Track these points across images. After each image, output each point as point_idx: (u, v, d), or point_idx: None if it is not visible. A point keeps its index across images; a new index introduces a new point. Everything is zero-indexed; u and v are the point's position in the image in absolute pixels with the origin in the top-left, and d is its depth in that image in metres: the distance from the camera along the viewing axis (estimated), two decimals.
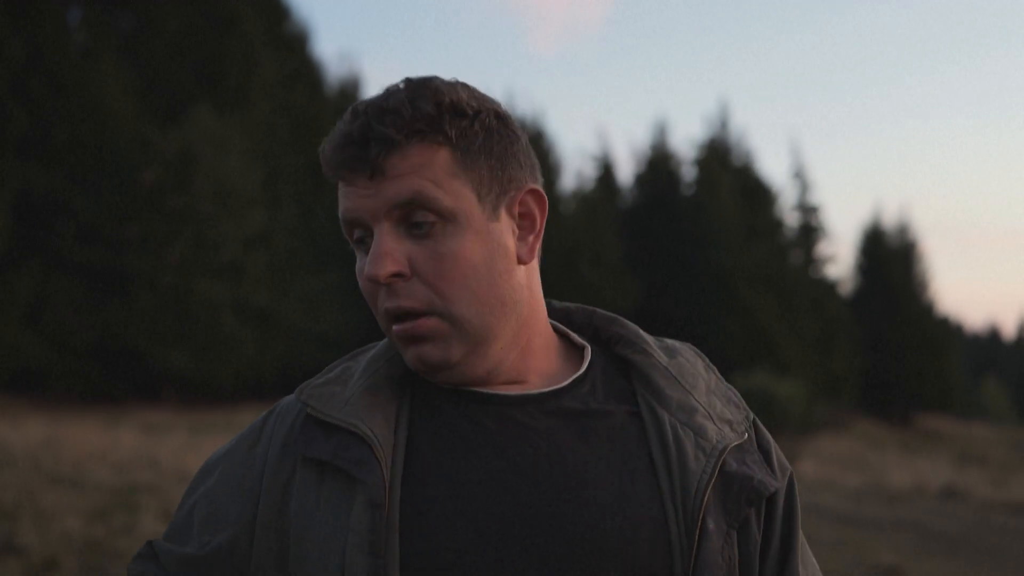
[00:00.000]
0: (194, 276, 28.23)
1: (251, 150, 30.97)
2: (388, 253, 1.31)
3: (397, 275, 1.32)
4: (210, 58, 32.02)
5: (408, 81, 1.36)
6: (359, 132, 1.33)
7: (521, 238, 1.38)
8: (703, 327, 33.12)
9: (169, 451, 16.36)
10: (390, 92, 1.36)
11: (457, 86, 1.36)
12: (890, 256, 44.52)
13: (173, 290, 27.92)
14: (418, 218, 1.32)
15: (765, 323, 35.17)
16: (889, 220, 46.61)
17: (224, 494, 1.42)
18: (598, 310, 1.53)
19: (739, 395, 1.49)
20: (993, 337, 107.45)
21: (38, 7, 28.03)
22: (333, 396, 1.38)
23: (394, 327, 1.34)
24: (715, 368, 1.51)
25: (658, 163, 40.59)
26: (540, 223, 1.40)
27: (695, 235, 36.85)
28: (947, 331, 47.78)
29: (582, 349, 1.47)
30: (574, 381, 1.41)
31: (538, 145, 36.07)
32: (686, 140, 51.54)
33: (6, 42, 27.34)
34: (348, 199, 1.34)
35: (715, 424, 1.40)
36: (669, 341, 1.52)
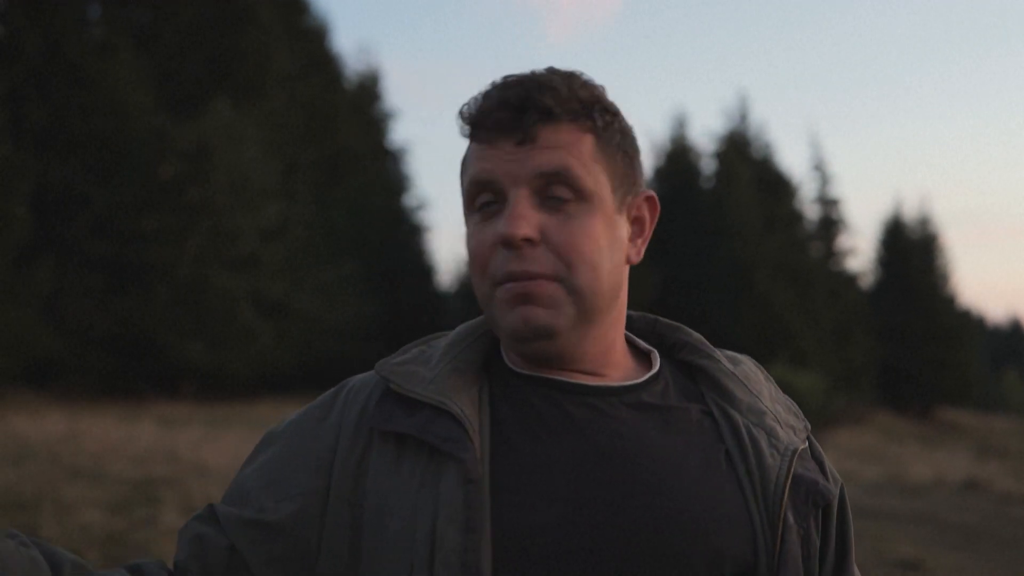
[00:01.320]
0: (211, 268, 28.27)
1: (268, 143, 30.99)
2: (525, 216, 1.35)
3: (528, 240, 1.35)
4: (227, 51, 32.04)
5: (556, 69, 1.41)
6: (516, 98, 1.38)
7: (631, 239, 1.46)
8: (722, 319, 33.06)
9: (187, 444, 16.41)
10: (541, 72, 1.41)
11: (599, 86, 1.44)
12: (910, 248, 44.33)
13: (190, 282, 27.97)
14: (556, 192, 1.37)
15: (784, 316, 35.09)
16: (909, 212, 46.32)
17: (292, 464, 1.43)
18: (660, 318, 1.59)
19: (797, 406, 1.56)
20: (1014, 329, 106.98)
21: (55, 2, 28.09)
22: (415, 375, 1.41)
23: (507, 284, 1.36)
24: (773, 379, 1.58)
25: (677, 156, 40.49)
26: (649, 229, 1.50)
27: (714, 228, 36.76)
28: (968, 323, 47.58)
29: (647, 353, 1.53)
30: (649, 379, 1.47)
31: None
32: (705, 133, 51.33)
33: (24, 36, 27.40)
34: (488, 161, 1.38)
35: (782, 428, 1.46)
36: (730, 352, 1.58)
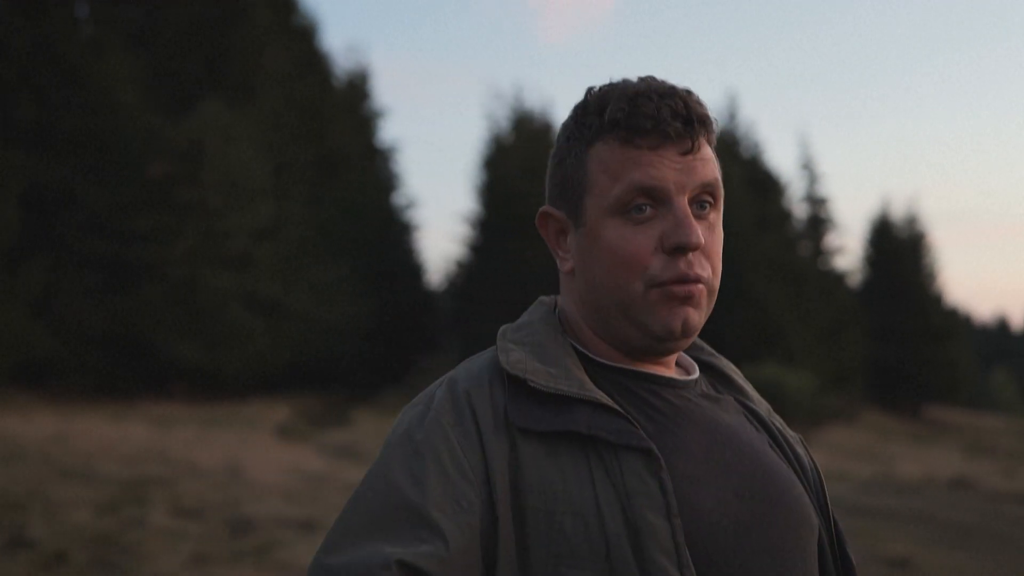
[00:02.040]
0: (203, 268, 28.22)
1: (260, 142, 30.94)
2: (696, 225, 1.42)
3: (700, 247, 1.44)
4: (219, 50, 31.99)
5: (673, 83, 1.48)
6: (683, 108, 1.43)
7: None
8: (714, 319, 32.74)
9: (179, 444, 16.41)
10: (669, 83, 1.47)
11: None
12: (898, 247, 44.38)
13: (182, 282, 27.92)
14: (706, 200, 1.46)
15: (774, 314, 35.11)
16: (897, 211, 46.38)
17: (453, 479, 1.34)
18: None
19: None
20: (1002, 328, 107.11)
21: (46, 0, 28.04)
22: (545, 372, 1.42)
23: (676, 287, 1.42)
24: None
25: None
26: None
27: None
28: (956, 322, 47.58)
29: None
30: (701, 373, 1.57)
31: (547, 138, 36.01)
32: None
33: (14, 34, 27.34)
34: (656, 168, 1.42)
35: (781, 420, 1.61)
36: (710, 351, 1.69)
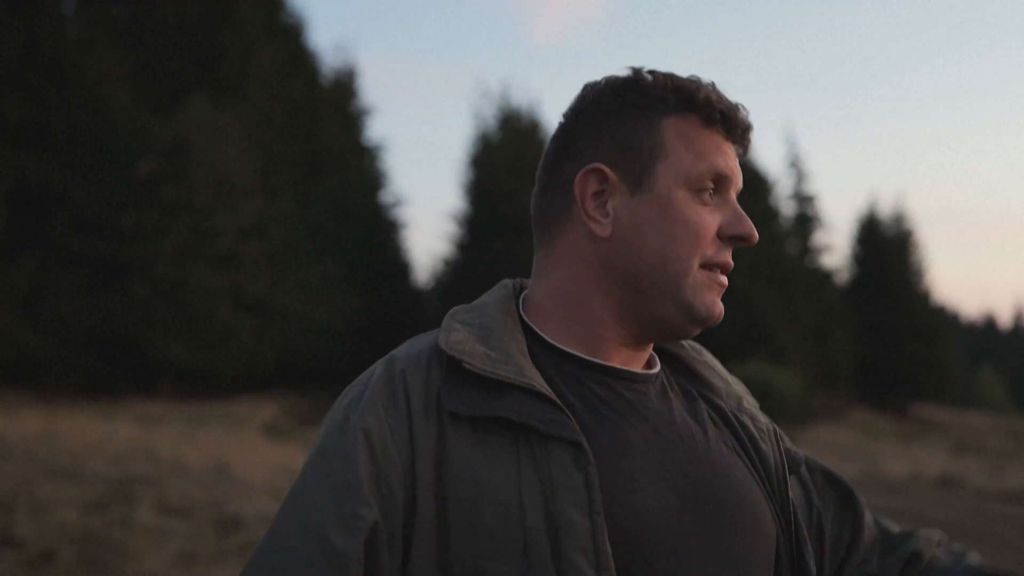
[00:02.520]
0: (191, 266, 28.20)
1: (248, 140, 30.92)
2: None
3: None
4: (207, 48, 31.97)
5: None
6: (744, 111, 1.47)
7: None
8: None
9: (166, 442, 16.37)
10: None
11: None
12: (886, 246, 44.49)
13: (170, 280, 27.89)
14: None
15: (762, 312, 35.18)
16: (885, 210, 46.52)
17: (376, 461, 1.31)
18: None
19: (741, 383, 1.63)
20: (989, 326, 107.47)
21: None
22: (485, 355, 1.36)
23: (721, 277, 1.44)
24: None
25: None
26: None
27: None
28: (943, 320, 47.74)
29: None
30: (661, 367, 1.51)
31: (534, 136, 36.02)
32: None
33: (4, 32, 27.28)
34: (728, 157, 1.45)
35: (754, 409, 1.55)
36: (684, 341, 1.61)
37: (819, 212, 43.38)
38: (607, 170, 1.41)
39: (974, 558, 1.60)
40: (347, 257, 33.79)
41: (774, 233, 40.57)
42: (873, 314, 42.77)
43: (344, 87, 40.11)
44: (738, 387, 1.58)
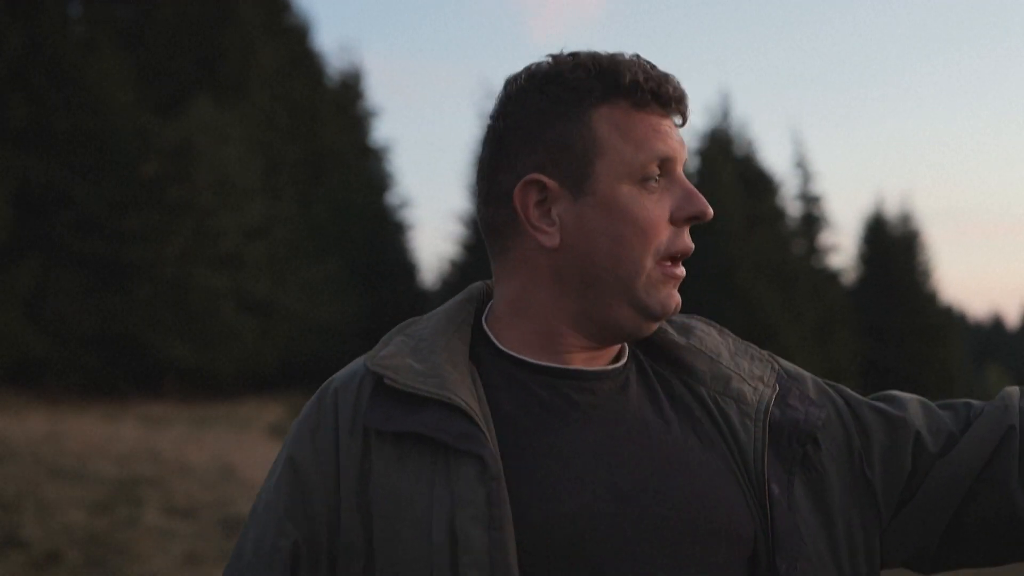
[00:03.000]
0: (194, 267, 28.22)
1: (251, 141, 30.94)
2: None
3: None
4: (210, 49, 31.98)
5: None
6: (674, 80, 1.40)
7: None
8: (705, 316, 32.99)
9: (170, 443, 16.38)
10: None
11: None
12: (892, 245, 44.41)
13: (173, 281, 27.91)
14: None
15: (767, 312, 35.14)
16: (891, 209, 46.38)
17: (302, 485, 1.34)
18: None
19: (757, 347, 1.54)
20: (996, 325, 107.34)
21: None
22: (409, 368, 1.35)
23: (676, 269, 1.41)
24: (728, 330, 1.56)
25: None
26: None
27: (697, 225, 36.89)
28: (950, 320, 47.67)
29: None
30: (628, 359, 1.45)
31: None
32: (688, 130, 51.33)
33: (6, 33, 27.29)
34: (670, 138, 1.39)
35: (750, 385, 1.45)
36: (677, 319, 1.55)
37: (825, 212, 43.36)
38: (545, 179, 1.37)
39: None
40: (351, 258, 33.79)
41: (780, 233, 40.55)
42: (879, 314, 42.72)
43: (350, 88, 40.13)
44: (735, 361, 1.49)
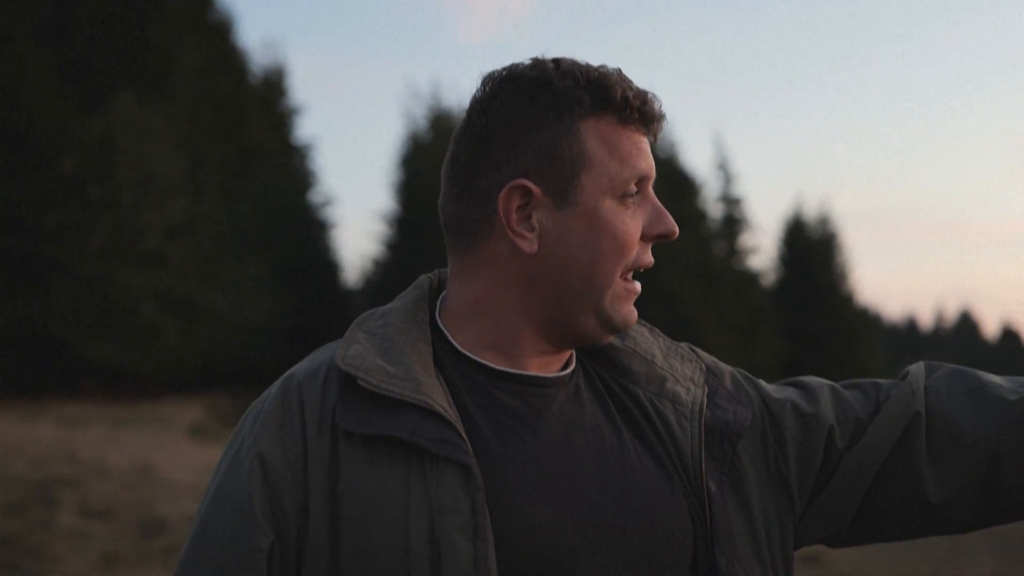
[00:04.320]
0: (115, 265, 27.83)
1: (174, 138, 30.57)
2: None
3: None
4: (133, 44, 31.56)
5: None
6: (657, 99, 1.44)
7: None
8: None
9: (88, 444, 16.17)
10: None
11: None
12: (811, 247, 45.02)
13: (93, 280, 27.52)
14: None
15: (690, 313, 35.45)
16: (810, 212, 47.01)
17: (271, 483, 1.31)
18: None
19: (687, 346, 1.58)
20: (911, 327, 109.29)
21: None
22: (383, 370, 1.33)
23: (635, 284, 1.42)
24: (658, 329, 1.58)
25: None
26: None
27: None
28: (867, 321, 48.44)
29: None
30: (576, 366, 1.47)
31: None
32: None
33: None
34: (648, 155, 1.43)
35: (683, 386, 1.48)
36: None
37: (746, 214, 43.82)
38: (531, 185, 1.37)
39: (992, 383, 1.52)
40: (275, 257, 33.56)
41: (702, 235, 40.91)
42: (799, 315, 43.27)
43: (273, 85, 39.83)
44: (668, 362, 1.51)
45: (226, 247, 31.96)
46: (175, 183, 29.93)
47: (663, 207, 1.43)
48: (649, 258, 1.43)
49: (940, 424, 1.49)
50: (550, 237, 1.38)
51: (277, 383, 1.39)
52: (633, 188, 1.39)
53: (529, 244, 1.38)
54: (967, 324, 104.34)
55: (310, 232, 37.12)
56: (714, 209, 43.33)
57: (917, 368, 1.57)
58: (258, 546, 1.29)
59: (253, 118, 36.48)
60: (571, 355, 1.47)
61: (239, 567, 1.29)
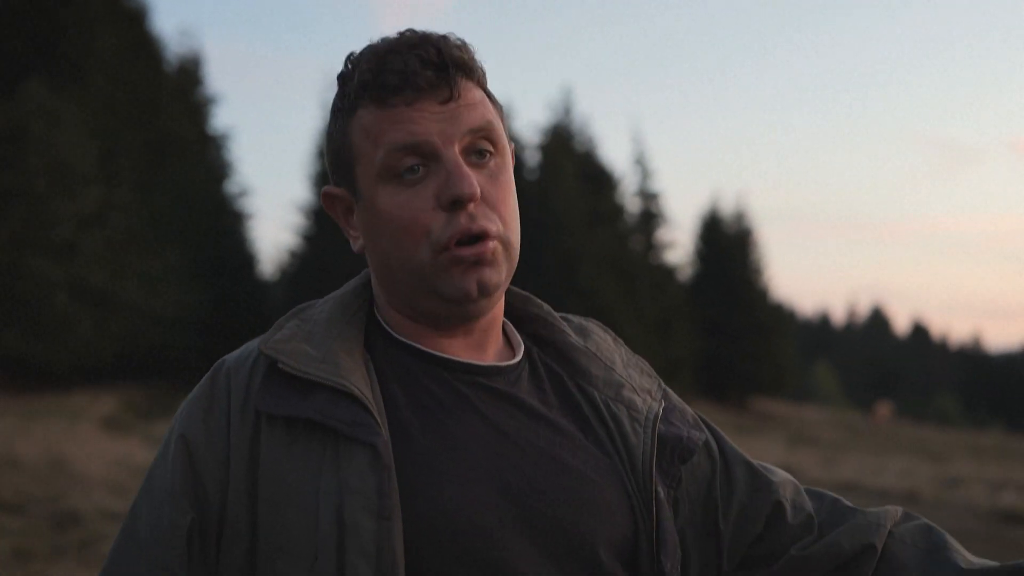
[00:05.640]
0: (26, 255, 27.36)
1: (88, 126, 30.10)
2: (470, 174, 1.33)
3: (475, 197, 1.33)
4: (45, 30, 31.03)
5: (426, 30, 1.39)
6: (435, 55, 1.34)
7: None
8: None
9: None
10: (426, 31, 1.37)
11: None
12: (727, 243, 45.50)
13: (4, 269, 27.04)
14: (482, 147, 1.36)
15: (607, 307, 35.62)
16: (726, 208, 47.58)
17: (195, 465, 1.33)
18: (512, 286, 1.52)
19: (647, 363, 1.58)
20: (824, 323, 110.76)
21: None
22: (303, 353, 1.34)
23: (464, 250, 1.33)
24: (621, 340, 1.59)
25: None
26: None
27: (539, 219, 37.17)
28: (780, 316, 49.04)
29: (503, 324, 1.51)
30: (523, 358, 1.47)
31: None
32: (530, 125, 51.78)
33: None
34: (414, 123, 1.33)
35: (639, 396, 1.48)
36: (575, 319, 1.59)
37: (663, 209, 44.17)
38: (335, 190, 1.43)
39: (954, 550, 1.48)
40: (190, 247, 33.20)
41: (619, 230, 41.15)
42: (715, 310, 43.74)
43: (189, 74, 39.39)
44: (627, 371, 1.52)
45: (140, 237, 31.55)
46: (88, 172, 29.48)
47: (462, 169, 1.32)
48: (461, 226, 1.32)
49: (887, 567, 1.48)
50: (365, 233, 1.41)
51: (210, 371, 1.41)
52: (406, 162, 1.33)
53: (356, 243, 1.43)
54: (878, 320, 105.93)
55: (226, 223, 36.79)
56: (631, 204, 43.65)
57: (895, 509, 1.54)
58: (177, 524, 1.31)
59: (168, 107, 36.05)
60: (516, 345, 1.48)
61: (158, 545, 1.31)
